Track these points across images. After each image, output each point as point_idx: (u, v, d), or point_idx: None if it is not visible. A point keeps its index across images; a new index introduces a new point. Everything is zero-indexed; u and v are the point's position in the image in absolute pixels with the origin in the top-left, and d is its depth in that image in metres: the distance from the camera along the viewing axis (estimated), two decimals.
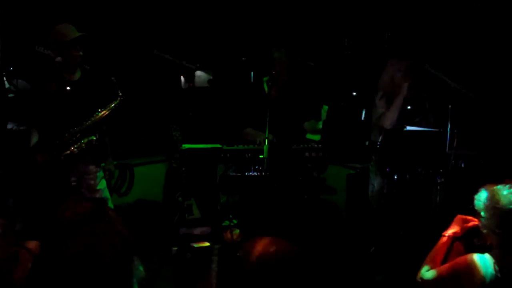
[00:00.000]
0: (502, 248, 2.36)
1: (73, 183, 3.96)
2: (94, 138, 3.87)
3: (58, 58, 3.71)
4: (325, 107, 5.49)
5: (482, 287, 2.34)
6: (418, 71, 4.28)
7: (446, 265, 2.50)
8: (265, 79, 4.54)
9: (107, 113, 3.88)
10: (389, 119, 4.14)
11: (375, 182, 4.31)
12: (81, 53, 3.84)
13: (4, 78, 5.52)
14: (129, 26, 6.39)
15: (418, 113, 4.32)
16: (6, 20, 5.26)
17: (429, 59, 4.65)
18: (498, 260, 2.35)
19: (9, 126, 5.21)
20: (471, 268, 2.37)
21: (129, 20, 6.37)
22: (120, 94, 3.87)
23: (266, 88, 4.49)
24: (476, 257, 2.40)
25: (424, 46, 5.61)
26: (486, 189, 2.40)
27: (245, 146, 4.10)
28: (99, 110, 3.86)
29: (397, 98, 4.19)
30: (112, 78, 3.86)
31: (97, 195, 4.08)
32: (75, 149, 3.79)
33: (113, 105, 3.88)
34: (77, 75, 3.94)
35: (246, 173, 4.11)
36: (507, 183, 2.36)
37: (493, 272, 2.33)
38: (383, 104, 4.29)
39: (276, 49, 4.44)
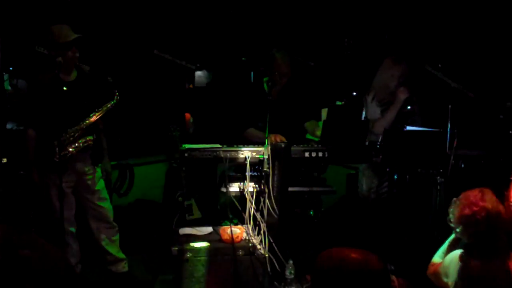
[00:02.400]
0: None
1: (71, 184, 3.96)
2: (92, 138, 3.87)
3: (59, 59, 3.70)
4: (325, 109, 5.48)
5: None
6: (411, 76, 4.29)
7: None
8: (265, 79, 4.54)
9: (103, 113, 3.88)
10: (381, 127, 4.13)
11: (364, 183, 4.33)
12: (77, 54, 3.84)
13: (4, 78, 5.53)
14: (129, 26, 6.39)
15: (409, 114, 4.33)
16: (6, 20, 5.26)
17: (429, 59, 4.64)
18: None
19: (9, 126, 5.21)
20: None
21: (129, 20, 6.37)
22: (117, 94, 3.87)
23: (266, 88, 4.49)
24: None
25: (424, 46, 5.61)
26: None
27: (245, 146, 4.09)
28: (96, 110, 3.86)
29: (392, 107, 4.20)
30: (109, 78, 3.86)
31: (96, 196, 4.07)
32: (73, 149, 3.79)
33: (109, 105, 3.88)
34: (74, 75, 3.94)
35: (246, 173, 4.10)
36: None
37: None
38: (374, 106, 4.30)
39: (276, 50, 4.44)
